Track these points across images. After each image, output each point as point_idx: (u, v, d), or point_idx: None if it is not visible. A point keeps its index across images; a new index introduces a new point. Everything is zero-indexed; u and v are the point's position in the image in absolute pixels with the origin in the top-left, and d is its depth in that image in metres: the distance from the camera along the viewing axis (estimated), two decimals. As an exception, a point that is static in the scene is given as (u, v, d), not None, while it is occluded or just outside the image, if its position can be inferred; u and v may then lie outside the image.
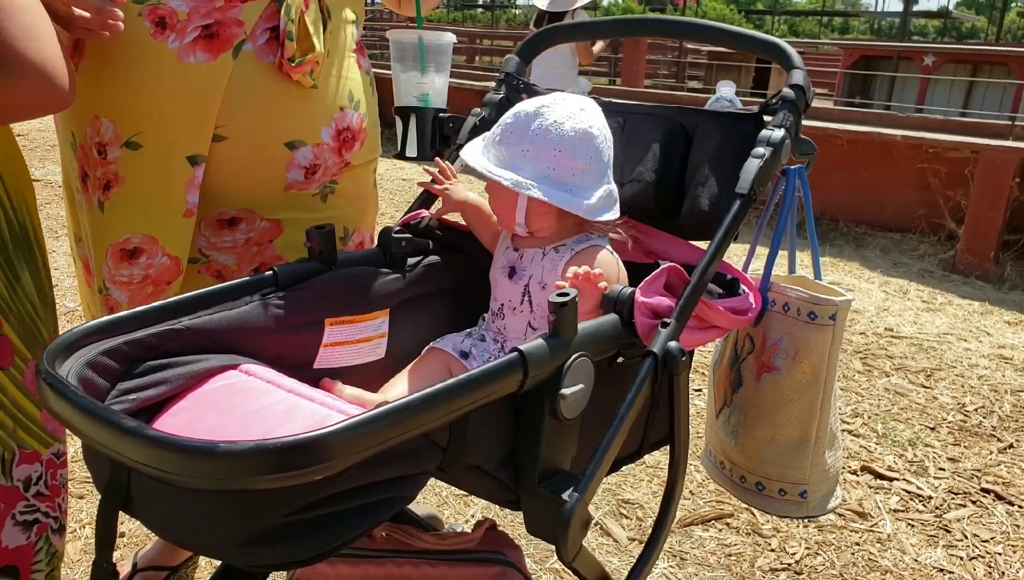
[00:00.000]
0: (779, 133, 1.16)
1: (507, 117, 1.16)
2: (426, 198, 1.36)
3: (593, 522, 2.01)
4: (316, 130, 1.29)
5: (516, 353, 0.86)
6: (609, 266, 1.15)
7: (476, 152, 1.17)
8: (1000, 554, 1.97)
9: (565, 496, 0.92)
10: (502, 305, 1.22)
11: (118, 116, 1.19)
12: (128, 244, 1.25)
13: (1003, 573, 1.91)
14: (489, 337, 1.24)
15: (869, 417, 2.67)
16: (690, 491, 2.17)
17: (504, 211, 1.18)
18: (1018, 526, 2.10)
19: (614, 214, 1.15)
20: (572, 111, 1.13)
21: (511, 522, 1.92)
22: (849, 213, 5.13)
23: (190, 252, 1.30)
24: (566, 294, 0.90)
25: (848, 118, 5.42)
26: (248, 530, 0.74)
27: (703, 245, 1.18)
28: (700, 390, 2.76)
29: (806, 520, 2.03)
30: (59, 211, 5.12)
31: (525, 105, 1.15)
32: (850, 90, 9.77)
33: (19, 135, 7.28)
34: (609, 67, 13.19)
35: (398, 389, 1.19)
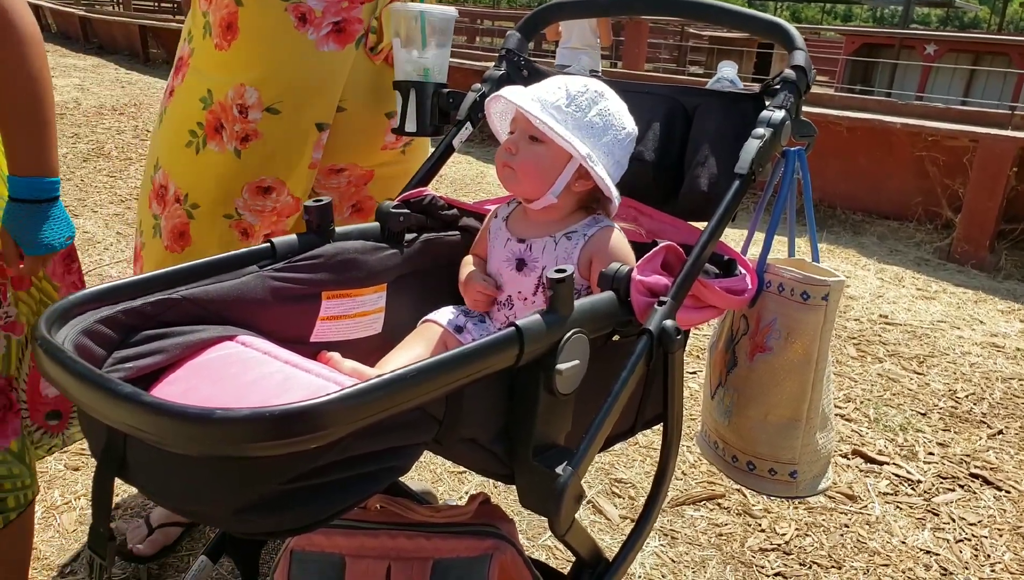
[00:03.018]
0: (780, 114, 1.15)
1: (573, 85, 1.13)
2: (424, 175, 1.35)
3: (586, 500, 2.03)
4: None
5: (513, 328, 0.86)
6: (623, 247, 1.16)
7: (530, 103, 1.11)
8: (986, 537, 2.00)
9: (559, 470, 0.92)
10: (510, 296, 1.21)
11: (264, 86, 1.45)
12: (263, 183, 1.52)
13: (988, 556, 1.93)
14: (493, 326, 1.23)
15: (862, 402, 2.69)
16: (682, 471, 2.18)
17: (540, 176, 1.13)
18: (1004, 510, 2.12)
19: (619, 200, 1.17)
20: (625, 107, 1.19)
21: (505, 498, 1.93)
22: (847, 200, 5.13)
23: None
24: (563, 270, 0.90)
25: (848, 105, 5.42)
26: (244, 498, 0.74)
27: (701, 225, 1.18)
28: (695, 372, 2.77)
29: (796, 500, 2.05)
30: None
31: (588, 80, 1.17)
32: (851, 77, 9.74)
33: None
34: (611, 50, 13.12)
35: (394, 363, 1.19)
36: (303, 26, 1.42)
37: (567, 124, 1.11)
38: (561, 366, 0.91)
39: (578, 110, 1.13)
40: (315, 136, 1.49)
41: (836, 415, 2.58)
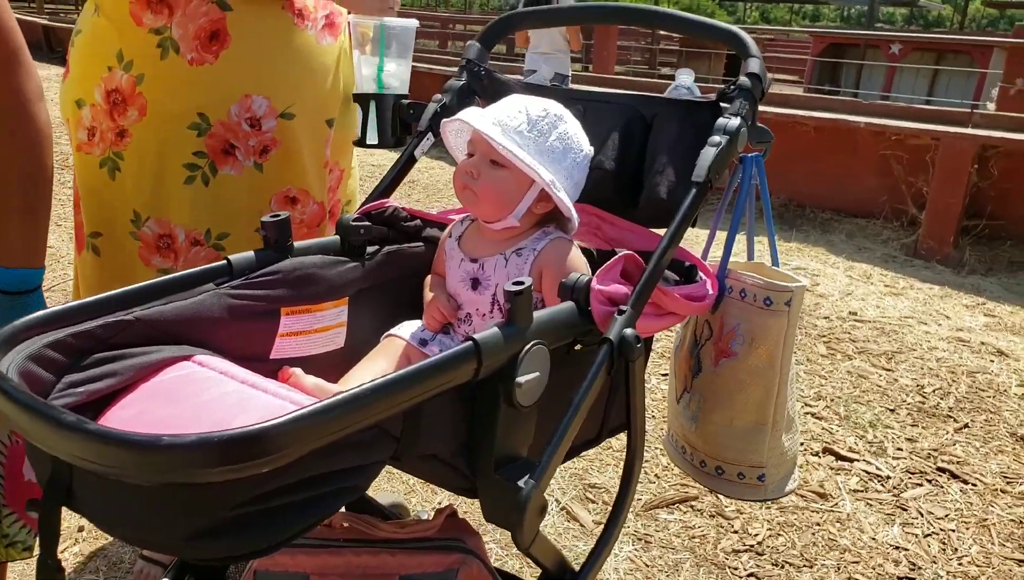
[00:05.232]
0: (735, 121, 1.16)
1: (534, 109, 1.13)
2: (386, 187, 1.35)
3: (560, 507, 2.03)
4: None
5: (471, 342, 0.86)
6: (574, 257, 1.16)
7: (492, 129, 1.10)
8: (953, 531, 2.02)
9: (521, 483, 0.92)
10: (469, 313, 1.21)
11: (273, 92, 1.37)
12: (289, 192, 1.46)
13: (956, 549, 1.96)
14: (456, 338, 1.23)
15: (832, 400, 2.72)
16: (655, 474, 2.19)
17: (501, 200, 1.13)
18: (971, 503, 2.15)
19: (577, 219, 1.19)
20: (579, 127, 1.20)
21: (474, 508, 1.92)
22: (815, 199, 5.19)
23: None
24: (521, 283, 0.90)
25: (814, 105, 5.48)
26: (195, 524, 0.73)
27: (663, 232, 1.19)
28: (667, 374, 2.78)
29: (768, 501, 2.07)
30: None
31: (547, 104, 1.17)
32: (819, 77, 9.87)
33: None
34: (582, 53, 13.18)
35: (357, 379, 1.18)
36: (302, 23, 1.37)
37: (529, 149, 1.11)
38: (521, 379, 0.91)
39: (540, 135, 1.13)
40: (326, 133, 1.45)
41: (807, 413, 2.60)
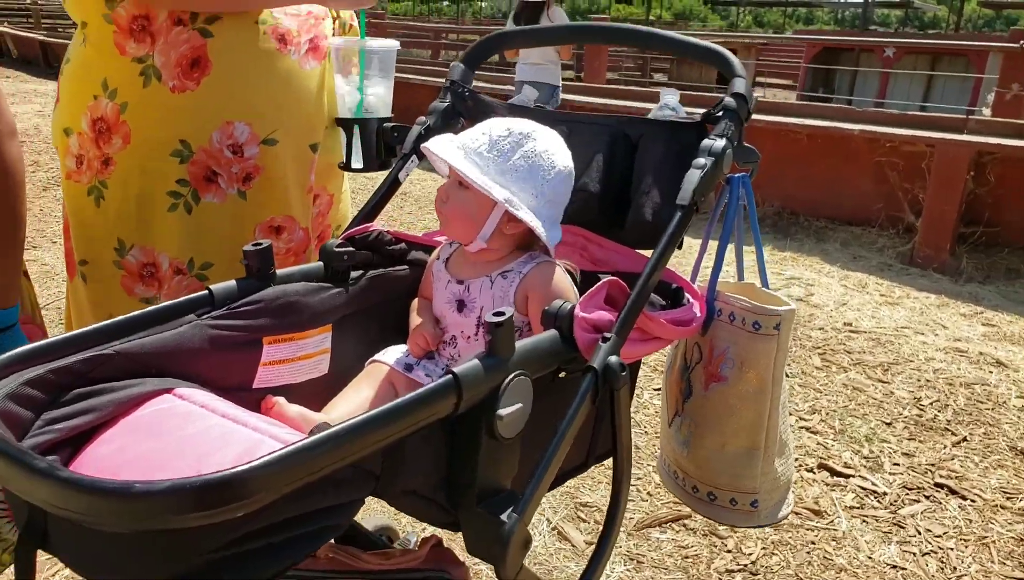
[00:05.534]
0: (720, 143, 1.15)
1: (496, 129, 1.14)
2: (370, 211, 1.34)
3: (551, 526, 2.01)
4: None
5: (450, 376, 0.85)
6: (560, 282, 1.16)
7: (452, 153, 1.13)
8: (952, 549, 2.01)
9: (504, 517, 0.91)
10: (454, 336, 1.20)
11: (255, 118, 1.36)
12: (273, 222, 1.45)
13: (955, 568, 1.94)
14: (441, 362, 1.22)
15: (827, 414, 2.71)
16: (648, 492, 2.18)
17: (467, 222, 1.15)
18: (970, 520, 2.14)
19: (558, 239, 1.18)
20: (557, 144, 1.18)
21: (460, 536, 1.91)
22: (810, 207, 5.19)
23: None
24: (502, 314, 0.89)
25: (807, 113, 5.49)
26: (171, 569, 0.72)
27: (649, 253, 1.18)
28: (660, 389, 2.77)
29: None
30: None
31: (513, 123, 1.16)
32: (813, 83, 9.89)
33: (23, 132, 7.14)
34: (573, 61, 13.21)
35: (341, 408, 1.17)
36: (284, 48, 1.37)
37: (488, 169, 1.12)
38: (503, 411, 0.90)
39: (499, 155, 1.13)
40: (310, 158, 1.45)
41: (801, 427, 2.59)
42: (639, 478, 2.24)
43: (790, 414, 2.70)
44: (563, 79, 6.29)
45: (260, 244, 1.13)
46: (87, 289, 1.44)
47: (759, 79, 13.10)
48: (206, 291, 1.09)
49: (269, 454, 0.69)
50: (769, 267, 4.36)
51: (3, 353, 1.17)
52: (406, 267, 1.34)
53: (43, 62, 12.97)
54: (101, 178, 1.36)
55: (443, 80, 1.43)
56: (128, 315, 1.00)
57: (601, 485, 2.21)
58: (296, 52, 1.37)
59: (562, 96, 6.17)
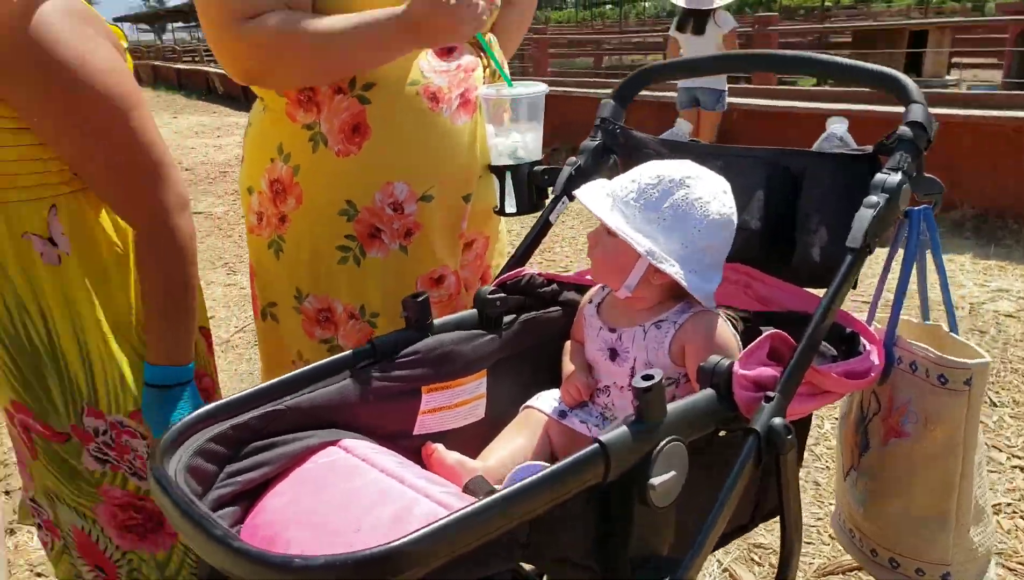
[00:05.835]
0: (896, 178, 1.05)
1: (646, 177, 1.12)
2: (522, 254, 1.35)
3: (722, 568, 1.92)
4: None
5: (597, 445, 0.83)
6: (722, 334, 1.10)
7: (600, 202, 1.13)
8: None
9: (659, 587, 0.87)
10: (608, 386, 1.19)
11: (412, 177, 1.42)
12: (434, 274, 1.51)
13: None
14: (595, 410, 1.21)
15: (1044, 448, 2.39)
16: (829, 535, 2.02)
17: (613, 270, 1.14)
18: None
19: (713, 288, 1.13)
20: (717, 191, 1.13)
21: None
22: (1019, 209, 4.61)
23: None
24: (650, 377, 0.86)
25: (1014, 103, 4.89)
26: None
27: (819, 292, 1.10)
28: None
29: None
30: (218, 242, 5.57)
31: (668, 169, 1.13)
32: (1020, 67, 8.80)
33: (185, 169, 8.11)
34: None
35: (497, 454, 1.18)
36: (436, 106, 1.40)
37: (634, 219, 1.09)
38: (655, 480, 0.86)
39: (647, 204, 1.10)
40: (463, 209, 1.49)
41: (1015, 467, 2.30)
42: (819, 519, 2.09)
43: (999, 449, 2.41)
44: (728, 82, 6.06)
45: (418, 296, 1.18)
46: (274, 331, 1.57)
47: (955, 60, 11.88)
48: (369, 345, 1.14)
49: (422, 529, 0.71)
50: (972, 278, 3.92)
51: (181, 403, 1.31)
52: (559, 308, 1.33)
53: (244, 97, 14.40)
54: (279, 233, 1.47)
55: (605, 91, 1.42)
56: (296, 372, 1.08)
57: (776, 526, 2.08)
58: (448, 109, 1.41)
59: (728, 100, 5.94)
